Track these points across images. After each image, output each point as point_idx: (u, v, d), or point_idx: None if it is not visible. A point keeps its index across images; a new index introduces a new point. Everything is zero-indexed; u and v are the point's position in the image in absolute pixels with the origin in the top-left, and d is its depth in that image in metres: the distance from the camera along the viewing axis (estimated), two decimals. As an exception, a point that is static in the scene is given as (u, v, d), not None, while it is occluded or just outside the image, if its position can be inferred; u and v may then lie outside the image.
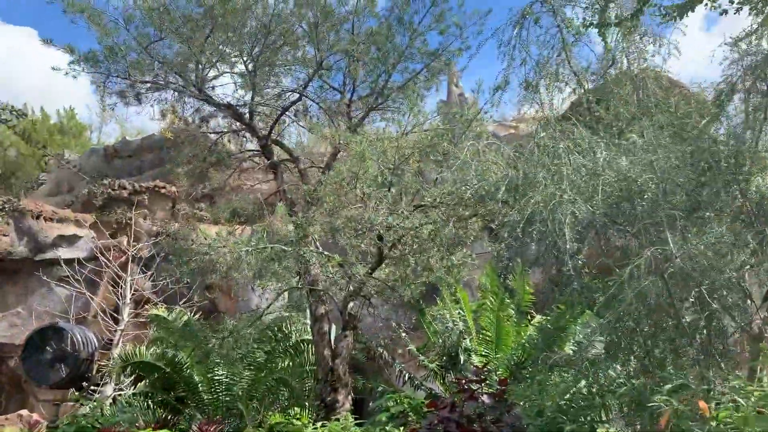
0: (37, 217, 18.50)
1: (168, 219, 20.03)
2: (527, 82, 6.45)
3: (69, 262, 17.70)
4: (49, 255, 18.25)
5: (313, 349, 10.41)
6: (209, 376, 10.50)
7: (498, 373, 9.11)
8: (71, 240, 18.92)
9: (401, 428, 5.92)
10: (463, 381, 6.64)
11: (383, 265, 9.20)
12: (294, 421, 10.96)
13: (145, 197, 20.71)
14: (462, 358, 9.49)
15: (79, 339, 10.25)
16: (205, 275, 8.67)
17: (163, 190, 20.98)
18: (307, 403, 10.95)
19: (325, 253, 8.65)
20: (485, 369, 6.42)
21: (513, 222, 6.05)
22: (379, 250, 8.64)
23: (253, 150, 11.05)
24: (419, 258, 8.69)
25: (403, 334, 10.95)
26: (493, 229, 8.87)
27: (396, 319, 11.40)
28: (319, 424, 5.93)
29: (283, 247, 7.92)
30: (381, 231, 7.73)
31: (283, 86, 10.55)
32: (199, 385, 10.55)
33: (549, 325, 9.05)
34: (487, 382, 6.63)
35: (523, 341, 9.54)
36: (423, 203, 8.44)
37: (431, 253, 8.63)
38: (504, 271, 8.17)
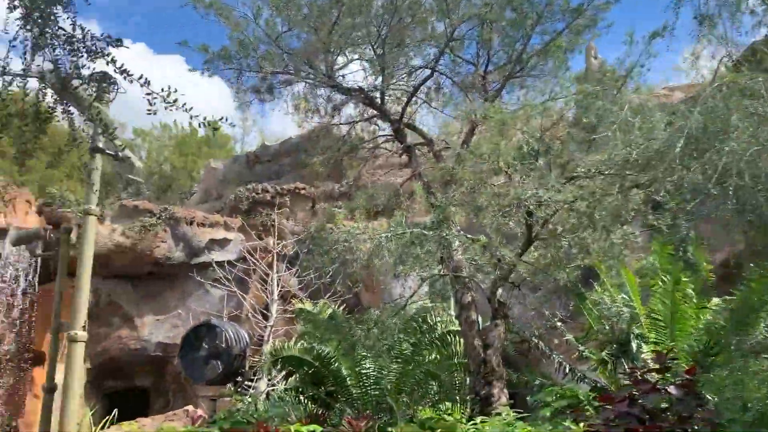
0: (190, 223, 19.55)
1: (309, 218, 20.46)
2: (702, 16, 5.41)
3: (221, 264, 18.54)
4: (202, 258, 19.19)
5: (461, 340, 9.82)
6: (357, 369, 10.26)
7: (676, 362, 7.97)
8: (222, 243, 19.80)
9: (580, 424, 5.21)
10: (639, 371, 5.72)
11: (532, 248, 8.42)
12: (445, 416, 10.43)
13: (287, 199, 21.21)
14: (633, 345, 8.44)
15: (231, 336, 10.38)
16: (346, 264, 8.38)
17: (302, 192, 21.43)
18: (457, 398, 10.39)
19: (468, 235, 8.04)
20: (667, 356, 5.45)
21: (693, 183, 5.07)
22: (528, 230, 7.87)
23: (385, 135, 10.72)
24: (574, 237, 7.81)
25: (558, 323, 10.06)
26: (657, 201, 7.74)
27: (549, 307, 10.52)
28: (478, 419, 5.36)
29: (424, 231, 7.43)
30: (531, 206, 6.97)
31: (413, 65, 10.08)
32: (348, 379, 10.34)
33: (737, 305, 7.77)
34: (669, 372, 5.63)
35: (706, 325, 8.29)
36: (576, 174, 7.55)
37: (587, 231, 7.71)
38: (680, 245, 7.07)
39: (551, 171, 7.60)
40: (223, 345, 10.69)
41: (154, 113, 4.36)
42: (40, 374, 17.42)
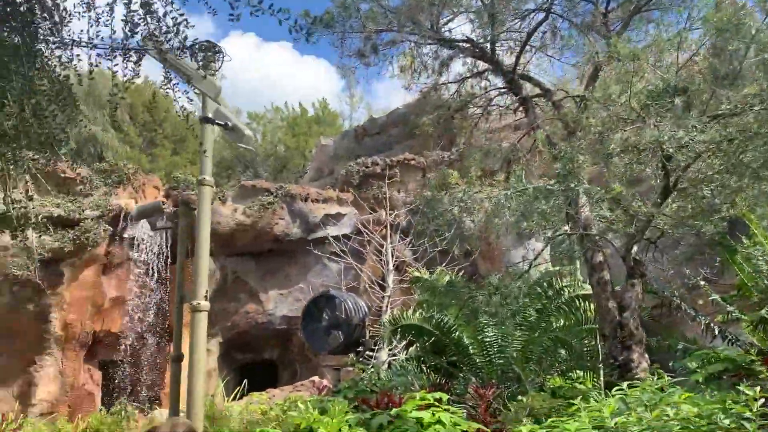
0: (305, 200, 19.88)
1: (420, 189, 20.19)
2: None
3: (336, 238, 18.75)
4: (319, 234, 19.47)
5: (591, 305, 9.14)
6: (479, 338, 9.87)
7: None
8: (336, 218, 19.98)
9: (756, 389, 4.55)
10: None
11: (669, 199, 7.58)
12: (576, 384, 9.82)
13: (397, 170, 21.01)
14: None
15: (350, 306, 10.29)
16: (462, 229, 7.96)
17: (412, 162, 21.15)
18: (589, 365, 9.74)
19: (598, 187, 7.34)
20: None
21: None
22: (666, 178, 7.06)
23: (498, 88, 10.10)
24: (719, 185, 6.91)
25: (702, 282, 9.09)
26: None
27: (690, 265, 9.55)
28: (624, 384, 4.82)
29: (548, 186, 6.85)
30: (669, 150, 6.19)
31: (526, 9, 9.34)
32: (470, 347, 9.99)
33: None
34: None
35: None
36: (720, 112, 6.64)
37: (735, 177, 6.79)
38: None
39: (690, 110, 6.73)
40: (343, 315, 10.63)
41: (237, 19, 4.15)
42: (177, 348, 18.51)
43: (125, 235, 17.48)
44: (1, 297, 15.25)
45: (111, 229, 16.70)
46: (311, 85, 54.31)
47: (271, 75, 55.92)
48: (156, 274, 17.69)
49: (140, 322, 17.62)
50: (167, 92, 5.37)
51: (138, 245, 17.48)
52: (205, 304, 5.05)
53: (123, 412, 11.44)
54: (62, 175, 16.63)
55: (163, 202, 6.05)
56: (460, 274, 11.69)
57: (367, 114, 32.54)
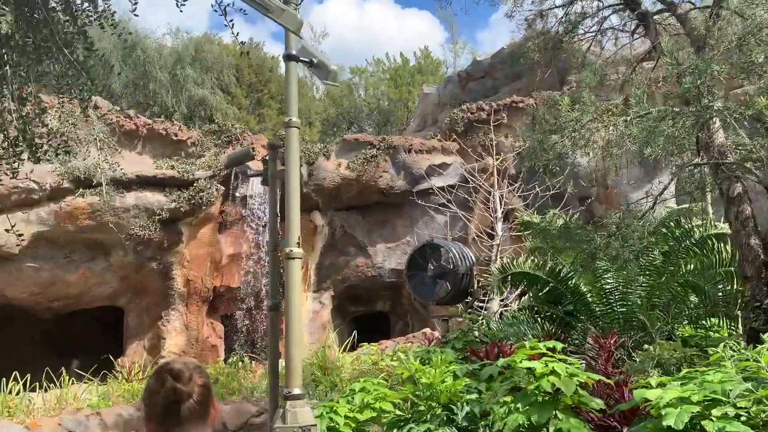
0: (409, 151, 19.49)
1: (529, 132, 19.18)
2: None
3: (442, 188, 18.28)
4: (424, 185, 19.08)
5: (729, 243, 8.13)
6: (598, 284, 9.14)
7: None
8: (441, 167, 19.47)
9: None
10: None
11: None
12: (711, 333, 8.90)
13: (504, 115, 20.06)
14: None
15: (456, 254, 9.83)
16: (576, 167, 7.21)
17: (520, 104, 20.09)
18: (724, 311, 8.78)
19: (735, 105, 6.30)
20: None
21: None
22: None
23: (613, 5, 9.00)
24: None
25: None
26: None
27: None
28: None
29: (674, 108, 5.96)
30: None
31: None
32: (588, 295, 9.28)
33: None
34: None
35: None
36: None
37: None
38: None
39: None
40: (449, 265, 10.19)
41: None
42: (292, 302, 18.99)
43: (237, 194, 17.98)
44: (126, 256, 16.19)
45: (223, 188, 17.19)
46: (414, 38, 53.35)
47: (373, 29, 55.51)
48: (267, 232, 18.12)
49: (255, 277, 18.19)
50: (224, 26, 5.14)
51: (250, 202, 17.94)
52: (298, 251, 4.78)
53: (240, 363, 11.82)
54: (174, 137, 17.25)
55: (253, 147, 5.94)
56: (575, 216, 10.88)
57: (471, 57, 31.29)
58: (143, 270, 16.66)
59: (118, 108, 17.57)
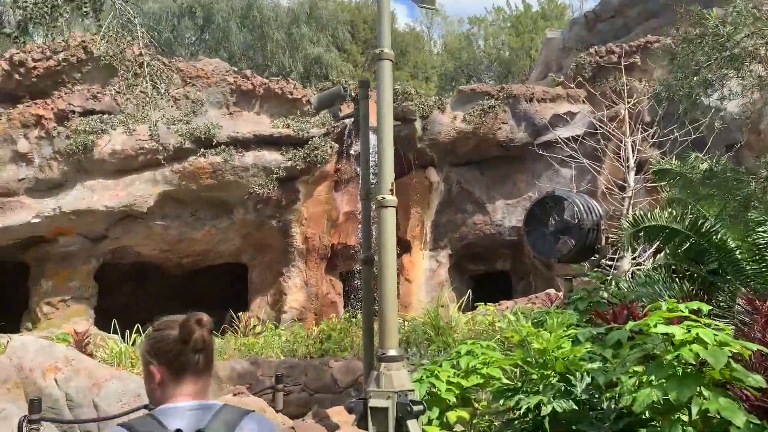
0: (530, 100, 18.26)
1: (665, 75, 17.25)
2: None
3: (568, 140, 16.98)
4: (547, 136, 17.86)
5: None
6: (750, 239, 7.83)
7: None
8: (567, 117, 18.12)
9: None
10: None
11: None
12: None
13: (637, 57, 18.24)
14: None
15: (581, 207, 8.88)
16: (720, 111, 6.02)
17: (656, 45, 18.13)
18: None
19: None
20: None
21: None
22: None
23: None
24: None
25: None
26: None
27: None
28: None
29: None
30: None
31: None
32: (737, 251, 8.00)
33: None
34: None
35: None
36: None
37: None
38: None
39: None
40: (573, 219, 9.23)
41: None
42: (408, 261, 18.68)
43: (352, 151, 17.77)
44: (248, 215, 16.55)
45: (337, 146, 17.03)
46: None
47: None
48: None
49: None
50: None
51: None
52: (391, 199, 4.24)
53: (352, 319, 11.65)
54: (290, 96, 17.24)
55: (343, 87, 5.47)
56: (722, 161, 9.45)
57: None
58: (264, 228, 16.99)
59: (236, 69, 17.81)
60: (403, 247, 18.58)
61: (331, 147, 16.64)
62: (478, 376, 4.84)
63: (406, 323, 11.13)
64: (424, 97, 17.95)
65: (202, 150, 15.33)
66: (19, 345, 7.23)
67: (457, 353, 5.31)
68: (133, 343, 9.86)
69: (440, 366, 5.13)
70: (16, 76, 14.04)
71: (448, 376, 4.78)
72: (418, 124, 17.58)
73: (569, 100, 18.45)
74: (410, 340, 10.29)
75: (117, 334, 12.50)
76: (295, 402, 9.54)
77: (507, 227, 18.64)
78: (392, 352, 4.28)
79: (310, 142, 16.30)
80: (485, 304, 11.59)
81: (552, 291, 15.43)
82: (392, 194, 4.56)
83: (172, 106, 15.99)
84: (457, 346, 9.47)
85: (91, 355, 8.82)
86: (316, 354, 10.26)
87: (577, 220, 9.20)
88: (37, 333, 13.31)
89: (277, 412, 8.11)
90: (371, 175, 4.99)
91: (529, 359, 4.24)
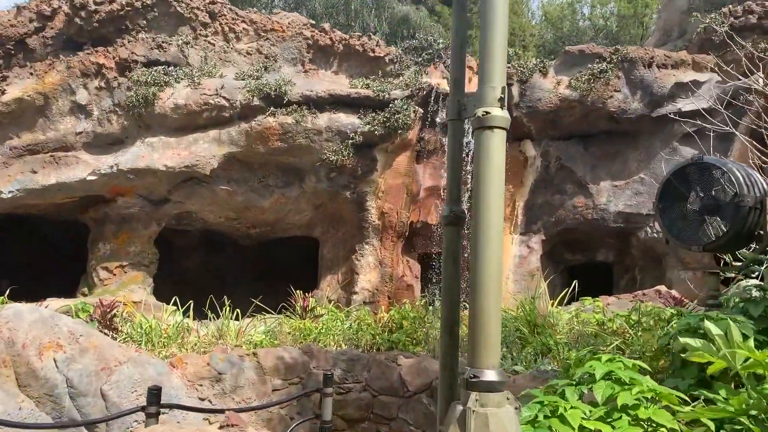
0: (649, 65, 15.63)
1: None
2: None
3: (692, 113, 14.34)
4: (667, 108, 15.29)
5: None
6: None
7: None
8: (690, 87, 15.40)
9: None
10: None
11: None
12: None
13: (783, 17, 15.25)
14: None
15: (741, 179, 6.51)
16: None
17: (808, 2, 15.10)
18: None
19: None
20: None
21: None
22: None
23: None
24: None
25: None
26: None
27: None
28: None
29: None
30: None
31: None
32: None
33: None
34: None
35: None
36: None
37: None
38: None
39: None
40: (726, 193, 6.86)
41: None
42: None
43: (437, 119, 15.82)
44: (320, 183, 14.98)
45: (421, 111, 15.12)
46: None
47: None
48: (470, 163, 15.77)
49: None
50: None
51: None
52: (501, 116, 2.34)
53: (429, 306, 9.76)
54: (371, 54, 15.48)
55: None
56: None
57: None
58: (337, 199, 15.39)
59: (314, 23, 16.17)
60: (491, 229, 16.50)
61: (414, 112, 14.75)
62: (631, 422, 2.86)
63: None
64: (523, 59, 15.69)
65: (271, 109, 13.83)
66: (13, 314, 5.83)
67: (589, 375, 3.34)
68: (193, 318, 8.43)
69: (562, 395, 3.18)
70: (77, 20, 12.98)
71: (582, 418, 2.83)
72: (515, 89, 15.38)
73: (695, 68, 15.71)
74: (498, 337, 8.31)
75: (177, 306, 11.29)
76: (355, 403, 7.82)
77: (612, 212, 16.19)
78: (491, 375, 2.40)
79: (391, 106, 14.47)
80: (592, 299, 9.43)
81: (662, 288, 13.08)
82: (502, 107, 2.65)
83: (243, 61, 14.61)
84: (561, 351, 7.43)
85: (115, 330, 7.43)
86: (384, 346, 8.50)
87: (733, 196, 6.89)
88: (91, 299, 12.29)
89: (322, 424, 6.40)
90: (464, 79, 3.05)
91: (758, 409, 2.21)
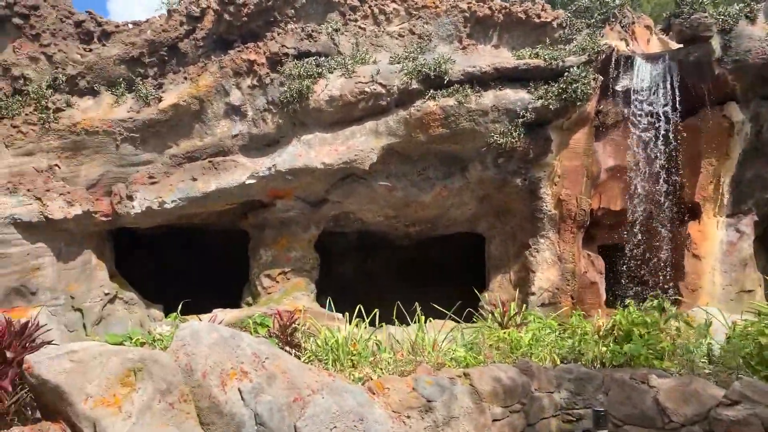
0: None
1: None
2: None
3: None
4: None
5: None
6: None
7: None
8: None
9: None
10: None
11: None
12: None
13: None
14: None
15: None
16: None
17: None
18: None
19: None
20: None
21: None
22: None
23: None
24: None
25: None
26: None
27: None
28: None
29: None
30: None
31: None
32: None
33: None
34: None
35: None
36: None
37: None
38: None
39: None
40: None
41: None
42: (696, 230, 14.06)
43: (618, 87, 13.62)
44: (486, 171, 13.37)
45: (601, 78, 13.02)
46: None
47: None
48: (662, 136, 13.42)
49: (645, 197, 13.75)
50: None
51: (635, 99, 13.43)
52: None
53: (660, 309, 7.73)
54: (537, 20, 13.64)
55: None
56: None
57: None
58: (506, 188, 13.69)
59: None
60: (690, 212, 14.02)
61: (594, 79, 12.70)
62: None
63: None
64: (723, 4, 13.07)
65: (431, 91, 12.43)
66: (190, 335, 4.76)
67: None
68: (356, 326, 7.17)
69: None
70: (226, 17, 12.35)
71: None
72: (715, 43, 12.80)
73: None
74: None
75: (335, 312, 10.20)
76: (592, 436, 6.07)
77: None
78: None
79: (566, 74, 12.53)
80: None
81: None
82: None
83: (395, 44, 13.36)
84: None
85: (297, 347, 6.28)
86: (615, 360, 6.69)
87: None
88: (257, 310, 11.55)
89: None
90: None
91: None
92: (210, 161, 12.56)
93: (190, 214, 13.07)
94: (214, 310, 11.12)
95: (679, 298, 13.15)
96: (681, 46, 13.49)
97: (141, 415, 4.29)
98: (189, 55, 12.84)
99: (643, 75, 13.33)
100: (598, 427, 4.81)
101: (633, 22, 14.82)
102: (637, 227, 13.63)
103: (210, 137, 12.69)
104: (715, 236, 14.07)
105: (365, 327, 7.06)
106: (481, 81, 12.65)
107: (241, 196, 12.73)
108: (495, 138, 12.71)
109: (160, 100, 12.55)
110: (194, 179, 12.46)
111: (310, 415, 4.85)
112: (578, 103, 12.60)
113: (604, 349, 6.96)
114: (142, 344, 6.28)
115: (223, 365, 4.75)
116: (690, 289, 13.84)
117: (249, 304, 13.27)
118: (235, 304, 13.20)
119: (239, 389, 4.72)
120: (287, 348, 6.09)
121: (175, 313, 8.46)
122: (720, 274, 14.02)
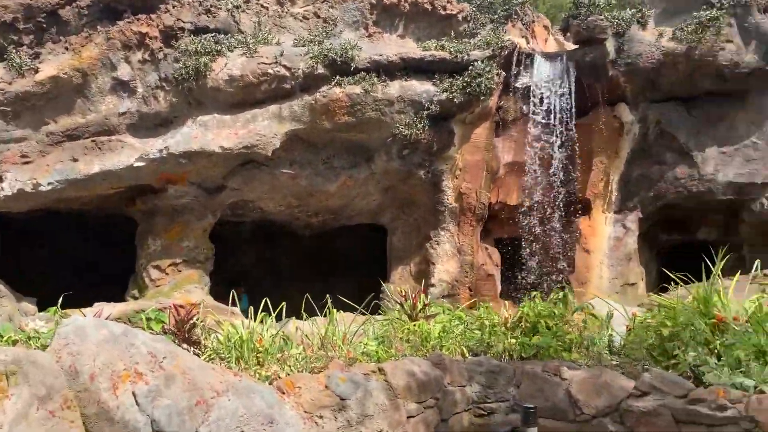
0: (765, 10, 13.53)
1: None
2: None
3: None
4: (786, 60, 13.19)
5: None
6: None
7: None
8: (814, 34, 13.26)
9: None
10: None
11: None
12: None
13: None
14: None
15: None
16: None
17: None
18: None
19: None
20: None
21: None
22: None
23: None
24: None
25: None
26: None
27: None
28: None
29: None
30: None
31: None
32: None
33: None
34: None
35: None
36: None
37: None
38: None
39: None
40: None
41: None
42: (586, 225, 14.66)
43: (518, 85, 13.89)
44: (391, 162, 13.21)
45: (504, 73, 13.21)
46: None
47: None
48: (558, 133, 13.84)
49: (541, 192, 14.14)
50: None
51: (534, 96, 13.75)
52: None
53: (564, 301, 7.85)
54: (442, 12, 13.61)
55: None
56: None
57: None
58: (410, 179, 13.60)
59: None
60: (581, 207, 14.57)
61: (497, 74, 12.87)
62: None
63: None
64: (617, 8, 13.63)
65: (337, 78, 12.06)
66: (74, 332, 4.15)
67: None
68: (261, 322, 6.69)
69: None
70: (115, -16, 11.33)
71: None
72: (610, 45, 13.35)
73: (819, 11, 13.53)
74: (668, 338, 6.43)
75: (237, 306, 9.60)
76: (504, 429, 6.01)
77: (721, 183, 14.15)
78: None
79: (471, 68, 12.60)
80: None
81: (786, 272, 11.11)
82: None
83: (299, 26, 12.85)
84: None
85: (197, 344, 5.74)
86: (525, 352, 6.68)
87: None
88: (148, 304, 10.66)
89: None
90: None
91: None
92: (93, 140, 11.49)
93: (70, 197, 11.93)
94: (97, 304, 10.17)
95: (571, 289, 13.64)
96: (577, 47, 13.96)
97: (14, 425, 3.67)
98: (71, 23, 11.67)
99: (542, 73, 13.68)
100: (527, 425, 4.69)
101: (533, 21, 15.20)
102: (532, 221, 13.97)
103: (94, 114, 11.61)
104: (604, 232, 14.73)
105: (271, 321, 6.60)
106: (387, 70, 12.44)
107: (128, 180, 11.76)
108: (400, 129, 12.56)
109: (36, 71, 11.32)
110: (75, 160, 11.36)
111: (214, 420, 4.39)
112: (482, 98, 12.71)
113: (513, 341, 6.95)
114: (15, 342, 5.52)
115: (114, 366, 4.17)
116: (580, 282, 14.37)
117: (135, 298, 12.33)
118: (122, 298, 12.20)
119: (133, 393, 4.17)
120: (185, 345, 5.54)
121: (54, 307, 7.56)
122: (607, 267, 14.69)
